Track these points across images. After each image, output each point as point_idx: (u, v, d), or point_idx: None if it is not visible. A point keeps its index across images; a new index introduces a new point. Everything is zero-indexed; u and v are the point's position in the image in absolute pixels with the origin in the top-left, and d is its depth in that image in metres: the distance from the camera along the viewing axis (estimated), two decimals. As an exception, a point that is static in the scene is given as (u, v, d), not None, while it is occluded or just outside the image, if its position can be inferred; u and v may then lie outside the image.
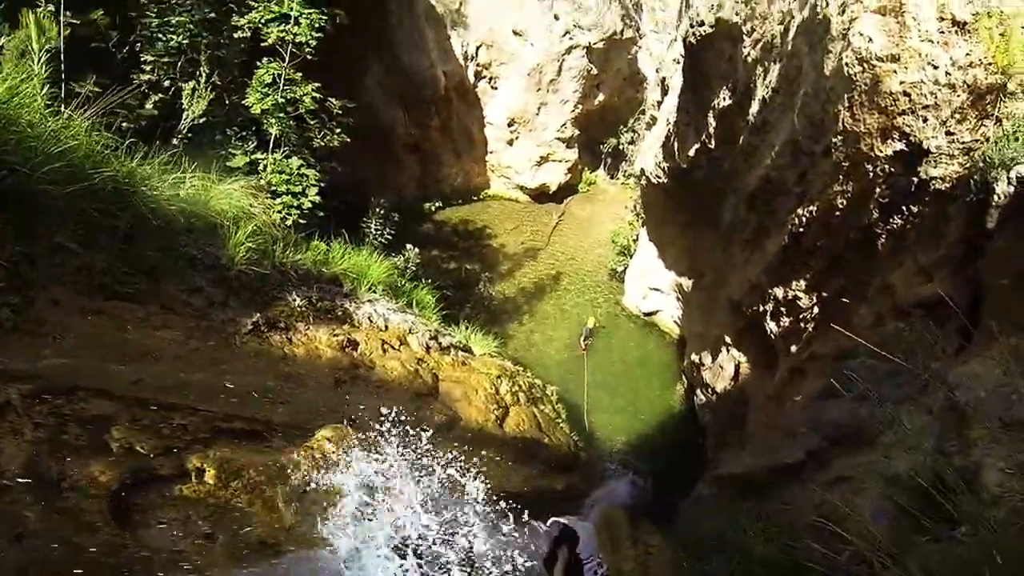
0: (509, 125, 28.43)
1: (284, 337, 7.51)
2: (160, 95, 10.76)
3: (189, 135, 10.27)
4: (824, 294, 8.95)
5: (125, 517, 3.55)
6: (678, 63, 15.96)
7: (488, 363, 12.15)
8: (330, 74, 13.40)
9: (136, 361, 5.24)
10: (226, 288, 7.55)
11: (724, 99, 11.69)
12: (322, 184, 12.72)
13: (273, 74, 11.80)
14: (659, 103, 20.22)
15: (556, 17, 26.19)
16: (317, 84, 12.28)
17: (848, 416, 6.15)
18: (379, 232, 14.58)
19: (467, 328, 14.16)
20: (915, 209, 6.94)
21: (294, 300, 8.16)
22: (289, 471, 4.67)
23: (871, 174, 7.14)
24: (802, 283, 9.32)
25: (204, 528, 3.83)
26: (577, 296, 23.06)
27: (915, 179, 6.83)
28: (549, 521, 5.99)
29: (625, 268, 23.03)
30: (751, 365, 12.72)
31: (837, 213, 7.80)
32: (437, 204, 27.42)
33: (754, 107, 10.29)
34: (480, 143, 28.85)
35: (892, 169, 7.01)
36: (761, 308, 10.99)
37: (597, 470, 14.52)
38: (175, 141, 9.54)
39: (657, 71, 22.35)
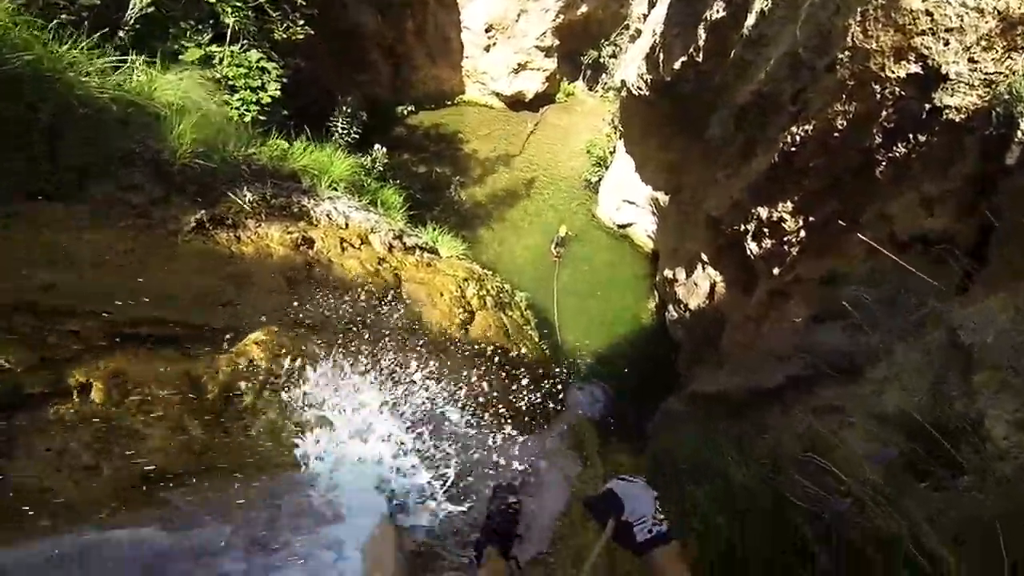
0: (487, 31, 27.14)
1: (232, 235, 6.97)
2: None
3: (136, 27, 9.36)
4: (812, 218, 8.57)
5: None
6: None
7: (455, 265, 11.74)
8: None
9: (52, 265, 4.60)
10: (168, 184, 6.92)
11: (717, 11, 11.07)
12: (284, 80, 11.92)
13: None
14: (645, 16, 19.42)
15: (540, -84, 24.54)
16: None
17: (836, 344, 5.86)
18: (345, 131, 13.82)
19: (435, 230, 13.72)
20: (923, 138, 6.60)
21: (245, 196, 7.57)
22: (205, 383, 3.98)
23: (878, 96, 6.73)
24: (789, 205, 8.97)
25: (85, 458, 3.09)
26: (550, 204, 22.73)
27: (927, 106, 6.45)
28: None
29: (600, 179, 22.71)
30: (727, 284, 12.48)
31: (836, 134, 7.40)
32: (409, 108, 26.43)
33: (750, 19, 9.75)
34: (456, 48, 27.62)
35: (903, 92, 6.62)
36: (742, 227, 10.66)
37: (566, 382, 14.38)
38: (121, 34, 8.64)
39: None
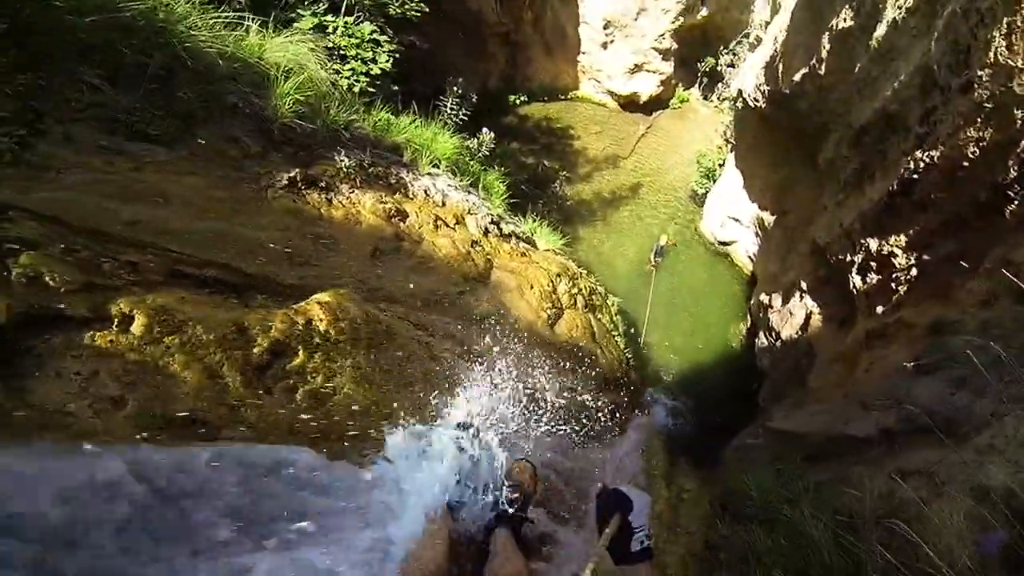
0: (605, 27, 26.63)
1: (323, 197, 7.06)
2: None
3: None
4: (925, 256, 7.96)
5: (6, 362, 2.66)
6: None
7: (550, 258, 11.61)
8: None
9: (141, 202, 4.71)
10: (266, 140, 7.17)
11: (845, 19, 10.32)
12: (396, 56, 11.96)
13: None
14: (766, 23, 18.72)
15: (668, -86, 23.84)
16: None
17: (938, 401, 5.35)
18: (454, 112, 13.81)
19: (534, 221, 13.61)
20: None
21: (342, 160, 7.62)
22: (255, 335, 3.70)
23: (1019, 122, 5.99)
24: (902, 239, 8.31)
25: (112, 389, 2.89)
26: (653, 211, 22.10)
27: None
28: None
29: (707, 192, 21.87)
30: (824, 318, 11.84)
31: (965, 163, 6.65)
32: (522, 98, 26.37)
33: (880, 30, 8.98)
34: (573, 42, 27.22)
35: None
36: (848, 258, 10.03)
37: (646, 394, 14.08)
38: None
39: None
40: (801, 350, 11.95)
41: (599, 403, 10.29)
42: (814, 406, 8.70)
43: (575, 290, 11.51)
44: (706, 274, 19.85)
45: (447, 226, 8.78)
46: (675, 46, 27.10)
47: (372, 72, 11.30)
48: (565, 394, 8.23)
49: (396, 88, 11.80)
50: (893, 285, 8.56)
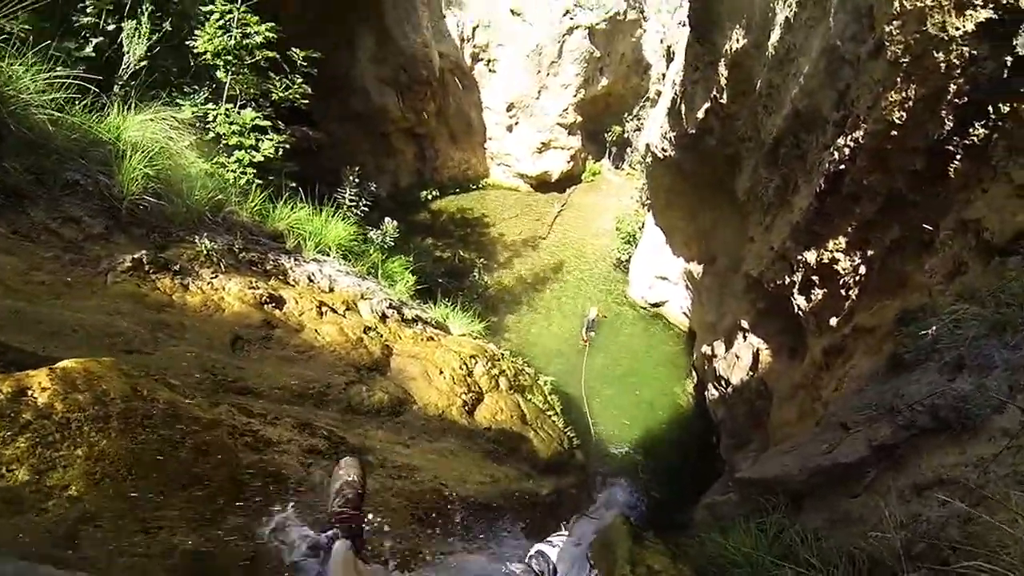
0: (508, 110, 26.90)
1: (177, 282, 5.87)
2: (102, 37, 9.14)
3: (132, 83, 8.65)
4: (870, 252, 7.13)
5: None
6: (684, 25, 14.33)
7: (462, 342, 10.48)
8: (320, 45, 12.09)
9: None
10: (111, 220, 6.02)
11: (737, 40, 9.97)
12: (287, 147, 11.12)
13: (224, 15, 10.20)
14: (663, 76, 18.63)
15: (556, -5, 24.51)
16: (272, 24, 10.60)
17: (937, 393, 4.31)
18: (354, 203, 12.86)
19: (446, 306, 12.57)
20: (1006, 109, 5.07)
21: (203, 243, 6.50)
22: None
23: (942, 66, 5.21)
24: (841, 240, 7.52)
25: None
26: (579, 287, 21.62)
27: (1008, 59, 4.89)
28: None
29: (630, 257, 21.55)
30: (772, 352, 10.96)
31: (893, 134, 5.92)
32: (434, 193, 26.12)
33: (775, 35, 8.58)
34: (478, 129, 27.32)
35: (973, 52, 5.00)
36: (787, 280, 9.23)
37: (594, 473, 12.89)
38: (116, 89, 7.94)
39: (662, 41, 20.92)
40: (755, 391, 10.99)
41: (540, 489, 9.09)
42: (783, 445, 7.62)
43: (495, 371, 10.41)
44: (642, 339, 19.18)
45: (334, 312, 7.64)
46: (579, 119, 27.39)
47: (256, 160, 10.39)
48: (487, 486, 7.06)
49: (292, 183, 10.89)
50: (843, 292, 7.72)
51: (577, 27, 25.04)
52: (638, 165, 25.88)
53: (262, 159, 10.64)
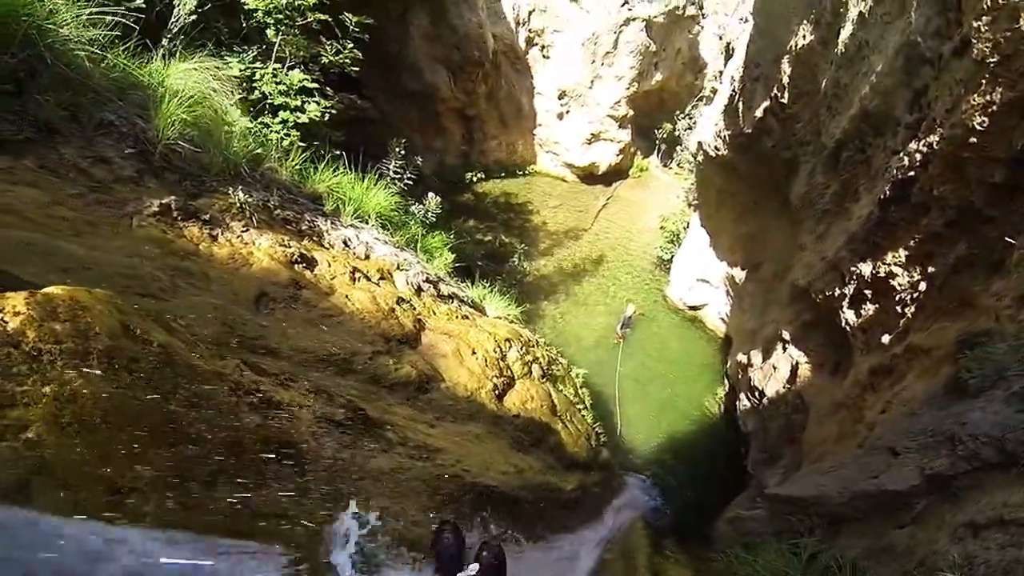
0: (560, 98, 26.47)
1: (205, 232, 5.67)
2: None
3: (181, 37, 8.51)
4: (931, 268, 6.71)
5: None
6: (745, 21, 13.88)
7: (498, 324, 10.23)
8: (375, 17, 12.03)
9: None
10: (144, 164, 5.80)
11: (804, 36, 9.50)
12: (333, 111, 10.96)
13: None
14: (720, 74, 18.14)
15: (615, -16, 23.92)
16: (326, -12, 10.43)
17: (1004, 426, 3.95)
18: (398, 175, 12.65)
19: (485, 287, 12.35)
20: None
21: (238, 195, 6.32)
22: None
23: None
24: (902, 253, 7.09)
25: None
26: (618, 282, 21.23)
27: None
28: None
29: (672, 257, 21.11)
30: (813, 367, 10.53)
31: (972, 140, 5.46)
32: (479, 175, 25.83)
33: (845, 32, 8.10)
34: (528, 115, 26.94)
35: None
36: (837, 292, 8.81)
37: (619, 473, 12.59)
38: (164, 43, 7.80)
39: (720, 38, 20.38)
40: (791, 406, 10.57)
41: (564, 484, 8.82)
42: (822, 464, 7.24)
43: (529, 358, 10.14)
44: (677, 341, 18.72)
45: (367, 279, 7.41)
46: (631, 113, 26.85)
47: (300, 121, 10.24)
48: (510, 476, 6.80)
49: (338, 152, 10.72)
50: (898, 308, 7.28)
51: (635, 18, 24.46)
52: (687, 164, 25.31)
53: (307, 121, 10.50)
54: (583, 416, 11.73)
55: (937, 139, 5.91)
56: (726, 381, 16.20)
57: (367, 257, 8.16)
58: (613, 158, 27.66)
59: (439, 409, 6.49)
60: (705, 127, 16.11)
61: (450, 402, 6.87)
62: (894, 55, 6.72)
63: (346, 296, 6.77)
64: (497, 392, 8.24)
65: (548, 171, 28.14)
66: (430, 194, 13.93)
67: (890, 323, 7.56)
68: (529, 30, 25.29)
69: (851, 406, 8.13)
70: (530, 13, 24.90)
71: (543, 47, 25.79)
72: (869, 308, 8.07)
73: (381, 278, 7.83)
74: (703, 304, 19.34)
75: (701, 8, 26.39)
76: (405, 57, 21.86)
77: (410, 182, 12.87)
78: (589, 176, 27.83)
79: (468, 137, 26.05)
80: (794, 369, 10.90)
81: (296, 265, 6.46)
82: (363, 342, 6.22)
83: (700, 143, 16.20)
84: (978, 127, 5.37)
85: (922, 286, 6.81)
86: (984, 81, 5.21)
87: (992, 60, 5.08)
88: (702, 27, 27.01)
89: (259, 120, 9.64)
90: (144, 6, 8.57)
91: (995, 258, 5.73)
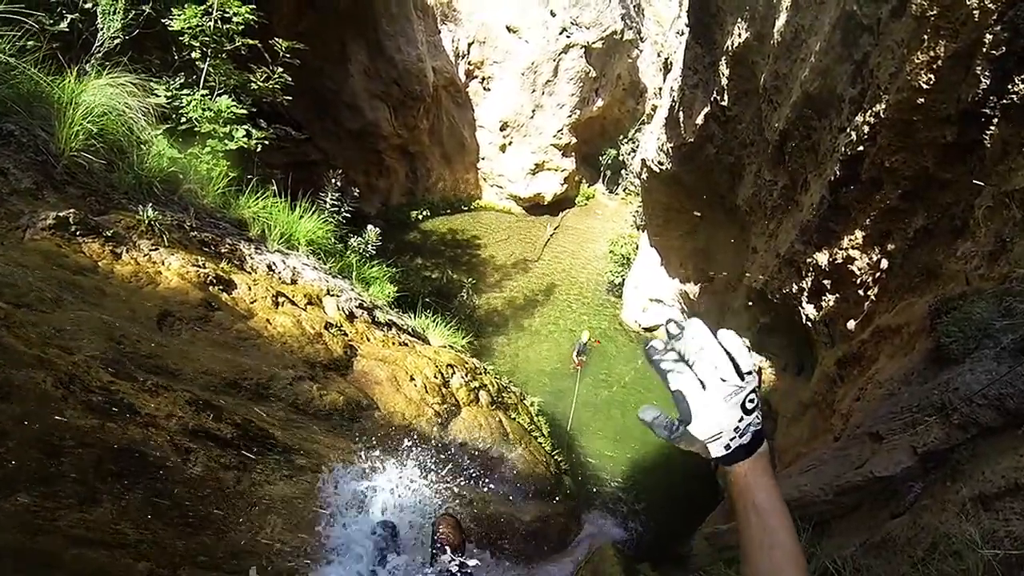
0: (502, 129, 26.42)
1: (107, 250, 5.09)
2: (77, 14, 8.50)
3: (107, 65, 7.99)
4: (891, 246, 6.38)
5: None
6: (681, 34, 13.76)
7: (440, 352, 9.70)
8: (313, 57, 12.01)
9: None
10: (43, 177, 5.25)
11: (739, 34, 9.37)
12: (265, 142, 10.45)
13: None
14: (659, 91, 18.04)
15: (552, 13, 24.22)
16: (253, 7, 9.96)
17: (996, 384, 3.52)
18: (335, 208, 12.13)
19: (428, 318, 11.82)
20: None
21: (147, 212, 5.76)
22: None
23: (975, 13, 4.45)
24: (858, 235, 6.76)
25: None
26: (571, 311, 20.88)
27: None
28: None
29: (623, 280, 20.94)
30: (776, 370, 10.21)
31: (920, 102, 5.16)
32: (424, 213, 25.41)
33: (780, 20, 7.95)
34: (471, 148, 26.80)
35: None
36: (795, 288, 8.49)
37: (584, 501, 12.02)
38: (88, 68, 7.27)
39: (659, 55, 20.46)
40: (757, 413, 10.20)
41: (521, 514, 8.26)
42: (796, 466, 6.79)
43: (475, 384, 9.63)
44: (635, 363, 18.16)
45: (292, 304, 6.89)
46: (574, 141, 26.90)
47: (228, 148, 9.72)
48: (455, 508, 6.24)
49: (276, 189, 10.20)
50: (860, 293, 6.95)
51: (573, 45, 24.61)
52: (633, 188, 25.45)
53: (234, 148, 10.00)
54: (540, 444, 11.21)
55: (884, 107, 5.62)
56: (688, 398, 15.69)
57: (294, 282, 7.65)
58: (558, 187, 27.60)
59: (372, 437, 5.92)
60: (648, 143, 15.99)
61: (385, 430, 6.32)
62: (831, 30, 6.50)
63: (267, 320, 6.24)
64: (440, 420, 7.71)
65: (494, 205, 27.94)
66: (369, 226, 13.39)
67: (853, 310, 7.23)
68: (469, 62, 25.29)
69: (820, 404, 7.75)
70: (469, 45, 24.90)
71: (484, 79, 25.78)
72: (829, 299, 7.74)
73: (309, 303, 7.31)
74: (658, 324, 18.99)
75: (639, 32, 26.71)
76: (344, 95, 21.54)
77: (348, 215, 12.38)
78: (535, 207, 27.72)
79: (412, 175, 25.75)
80: (758, 375, 10.52)
81: (212, 287, 5.91)
82: (283, 367, 5.66)
83: (644, 160, 16.05)
84: (924, 86, 5.09)
85: (883, 264, 6.48)
86: (926, 37, 4.94)
87: (932, 13, 4.82)
88: (641, 51, 27.36)
89: (188, 152, 9.06)
90: (68, 31, 8.14)
91: (956, 223, 5.42)
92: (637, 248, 20.60)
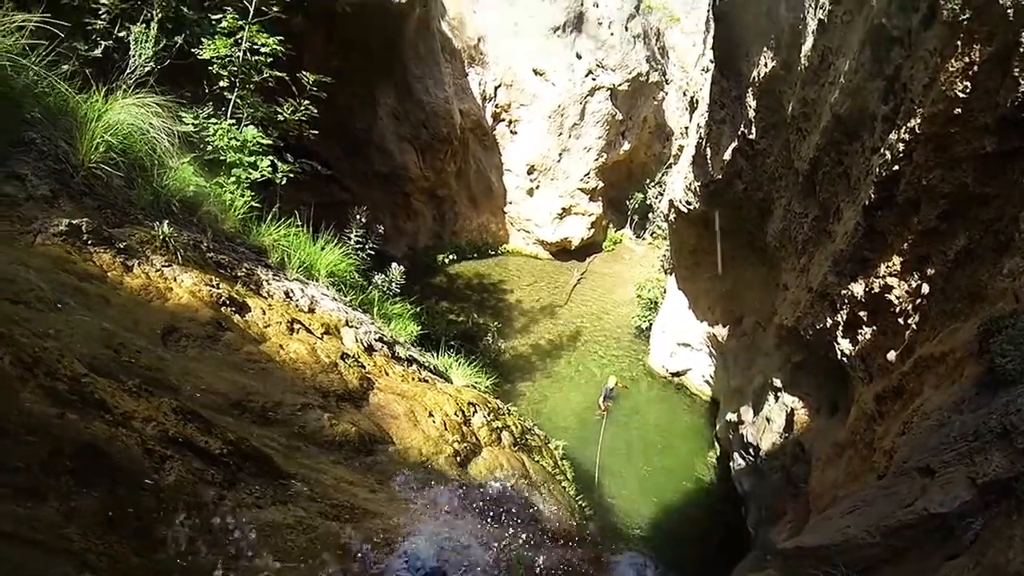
0: (529, 172, 26.49)
1: (119, 261, 4.97)
2: (111, 41, 8.71)
3: (136, 90, 8.06)
4: (931, 270, 6.06)
5: None
6: (706, 70, 13.64)
7: (462, 390, 9.43)
8: (342, 99, 11.77)
9: None
10: (61, 186, 5.22)
11: (765, 64, 9.19)
12: (291, 176, 10.44)
13: (235, 28, 9.69)
14: (685, 130, 17.88)
15: (578, 56, 24.52)
16: (280, 37, 10.03)
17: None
18: (360, 244, 12.03)
19: (452, 357, 11.59)
20: None
21: (163, 228, 5.67)
22: None
23: (1010, 12, 4.18)
24: (895, 262, 6.43)
25: None
26: (597, 356, 20.46)
27: None
28: None
29: (651, 325, 20.54)
30: (809, 411, 9.74)
31: (957, 112, 4.88)
32: (451, 256, 25.33)
33: (807, 45, 7.76)
34: (499, 192, 26.87)
35: None
36: (828, 323, 8.13)
37: (609, 549, 11.54)
38: (118, 94, 7.35)
39: (684, 93, 20.42)
40: (790, 456, 9.73)
41: (543, 561, 7.84)
42: (835, 508, 6.36)
43: (498, 424, 9.31)
44: (662, 409, 17.85)
45: (308, 332, 6.72)
46: (601, 185, 26.82)
47: (253, 178, 9.69)
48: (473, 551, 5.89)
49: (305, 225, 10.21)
50: (900, 322, 6.58)
51: (599, 88, 24.80)
52: (660, 232, 25.38)
53: (259, 178, 9.96)
54: (564, 488, 10.82)
55: (918, 122, 5.36)
56: (716, 444, 15.32)
57: (311, 311, 7.51)
58: (585, 232, 27.43)
59: (385, 473, 5.63)
60: (675, 183, 15.78)
61: (401, 467, 6.02)
62: (860, 47, 6.28)
63: (281, 346, 6.05)
64: (460, 458, 7.41)
65: (521, 249, 27.81)
66: (393, 264, 13.29)
67: (892, 342, 6.85)
68: (496, 105, 25.48)
69: (858, 443, 7.31)
70: (496, 88, 25.13)
71: (510, 122, 25.94)
72: (866, 332, 7.37)
73: (326, 332, 7.13)
74: (686, 369, 18.65)
75: (664, 75, 26.82)
76: (373, 137, 21.73)
77: (372, 252, 12.27)
78: (562, 252, 27.52)
79: (439, 218, 25.76)
80: (789, 417, 10.12)
81: (224, 308, 5.76)
82: (293, 393, 5.42)
83: (671, 201, 15.82)
84: (960, 95, 4.83)
85: (924, 290, 6.13)
86: (959, 43, 4.71)
87: (964, 17, 4.59)
88: (666, 94, 27.49)
89: (214, 181, 9.03)
90: (101, 56, 8.24)
91: (1000, 239, 5.09)
92: (664, 292, 20.28)
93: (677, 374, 18.92)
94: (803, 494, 8.92)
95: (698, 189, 13.46)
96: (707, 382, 17.77)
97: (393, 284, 12.89)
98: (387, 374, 7.68)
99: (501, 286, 24.38)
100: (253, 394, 4.88)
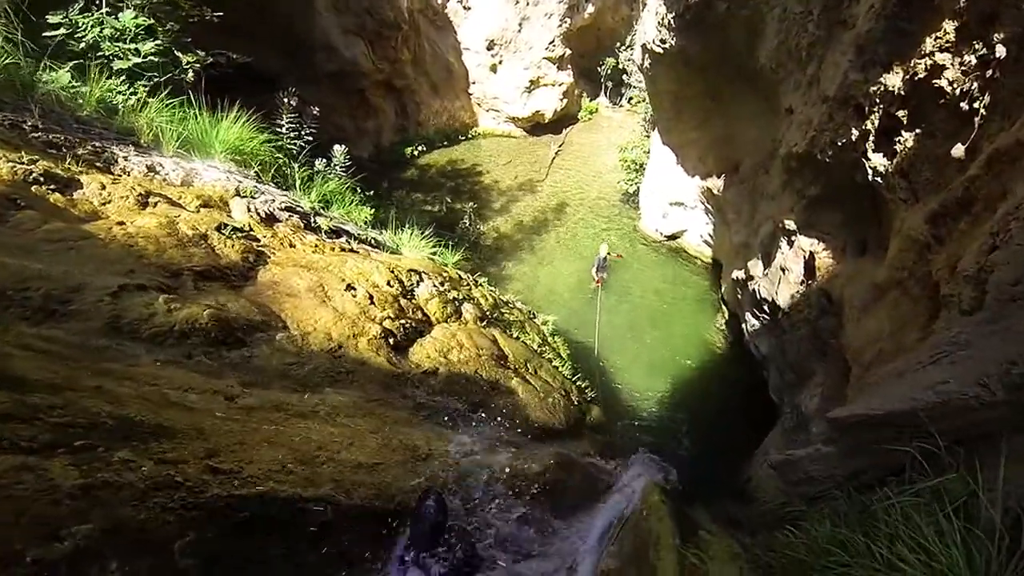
0: (489, 48, 24.30)
1: None
2: None
3: None
4: (999, 34, 4.36)
5: None
6: None
7: (401, 258, 7.99)
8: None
9: None
10: None
11: None
12: (196, 65, 9.09)
13: None
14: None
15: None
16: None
17: None
18: (293, 129, 10.27)
19: (402, 232, 10.11)
20: None
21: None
22: None
23: None
24: (947, 29, 4.75)
25: None
26: (585, 226, 19.16)
27: None
28: None
29: (638, 189, 19.06)
30: (833, 252, 8.23)
31: None
32: (420, 148, 23.74)
33: None
34: (460, 74, 24.78)
35: None
36: (853, 136, 6.51)
37: (617, 434, 10.17)
38: None
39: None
40: (815, 308, 8.26)
41: (525, 466, 6.11)
42: (909, 357, 4.81)
43: (454, 295, 7.95)
44: (661, 275, 16.58)
45: (174, 204, 5.22)
46: (568, 53, 24.83)
47: (136, 63, 8.36)
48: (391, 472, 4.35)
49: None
50: (957, 113, 4.93)
51: (556, -52, 22.31)
52: (639, 96, 23.46)
53: (143, 62, 8.29)
54: (556, 369, 9.44)
55: None
56: (724, 307, 14.14)
57: (186, 184, 6.00)
58: (558, 103, 25.67)
59: (260, 371, 4.16)
60: (647, 24, 13.73)
61: (292, 359, 4.55)
62: None
63: (120, 222, 4.67)
64: (393, 340, 6.00)
65: (492, 130, 26.13)
66: (335, 146, 11.50)
67: (943, 146, 5.25)
68: (444, -19, 22.94)
69: (906, 280, 5.83)
70: (441, -40, 22.52)
71: (461, -3, 23.53)
72: (906, 138, 5.75)
73: (205, 205, 5.93)
74: (681, 230, 17.38)
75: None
76: (315, 35, 19.54)
77: (310, 138, 10.55)
78: (536, 127, 25.92)
79: (401, 111, 23.87)
80: (809, 262, 8.61)
81: (38, 186, 4.26)
82: (111, 275, 3.93)
83: (644, 46, 13.89)
84: None
85: (992, 62, 4.42)
86: None
87: None
88: (631, -51, 24.87)
89: (102, 85, 7.58)
90: None
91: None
92: (649, 152, 18.69)
93: (672, 236, 17.69)
94: (834, 351, 7.52)
95: (672, 21, 11.53)
96: (706, 242, 16.50)
97: (337, 168, 11.21)
98: (291, 246, 6.35)
99: (475, 169, 23.03)
100: (34, 279, 3.42)
